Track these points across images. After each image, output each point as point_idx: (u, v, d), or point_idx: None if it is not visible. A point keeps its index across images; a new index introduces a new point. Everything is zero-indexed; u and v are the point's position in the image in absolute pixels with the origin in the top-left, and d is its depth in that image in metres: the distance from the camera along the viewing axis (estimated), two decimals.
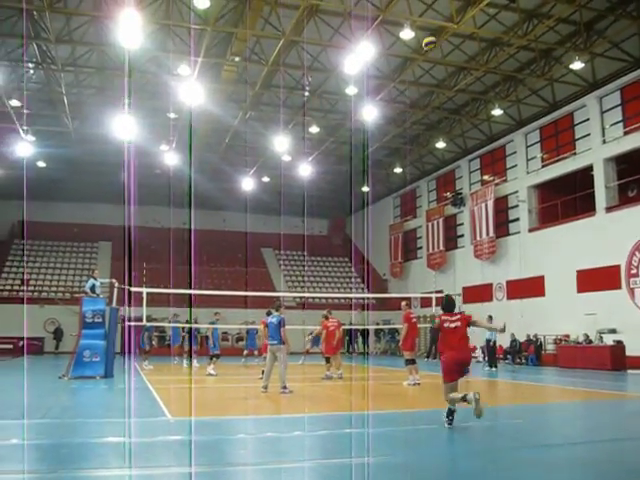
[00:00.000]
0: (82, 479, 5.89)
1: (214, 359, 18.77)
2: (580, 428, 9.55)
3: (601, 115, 25.25)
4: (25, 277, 37.75)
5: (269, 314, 14.40)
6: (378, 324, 36.50)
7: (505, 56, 23.78)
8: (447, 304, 9.38)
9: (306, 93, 27.17)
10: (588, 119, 25.86)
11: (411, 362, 15.44)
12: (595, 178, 25.24)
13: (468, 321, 9.05)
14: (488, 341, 22.68)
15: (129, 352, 22.05)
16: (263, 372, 13.85)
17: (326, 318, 17.84)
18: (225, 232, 45.03)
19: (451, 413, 8.84)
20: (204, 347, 23.16)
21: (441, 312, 9.48)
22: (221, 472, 6.23)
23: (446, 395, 8.86)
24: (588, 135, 25.88)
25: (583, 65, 23.27)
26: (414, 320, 16.04)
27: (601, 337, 23.52)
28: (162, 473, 6.19)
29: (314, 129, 29.74)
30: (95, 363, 16.76)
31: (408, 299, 20.49)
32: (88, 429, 8.86)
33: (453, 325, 8.99)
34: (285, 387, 12.95)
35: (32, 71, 25.85)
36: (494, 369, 22.11)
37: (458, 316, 9.12)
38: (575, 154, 26.57)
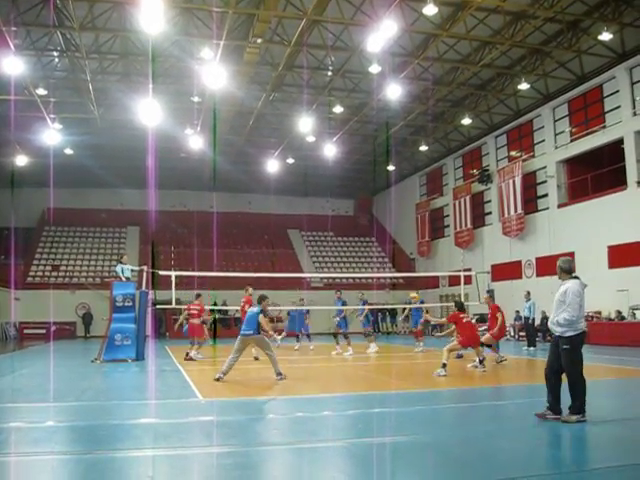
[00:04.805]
0: (117, 460, 5.99)
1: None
2: (616, 405, 9.45)
3: (631, 86, 24.60)
4: (55, 263, 38.46)
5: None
6: (406, 303, 36.44)
7: (531, 29, 23.23)
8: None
9: (329, 73, 27.01)
10: (618, 91, 25.26)
11: None
12: (626, 151, 24.74)
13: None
14: (527, 319, 21.93)
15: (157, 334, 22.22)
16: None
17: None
18: (251, 214, 45.14)
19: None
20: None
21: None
22: (253, 452, 6.29)
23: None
24: (618, 107, 25.30)
25: (612, 36, 22.65)
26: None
27: (634, 313, 23.16)
28: (194, 453, 6.28)
29: (338, 109, 29.57)
30: (126, 346, 16.95)
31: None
32: (122, 411, 9.02)
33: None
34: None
35: (57, 59, 26.07)
36: (532, 348, 21.24)
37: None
38: (605, 127, 26.03)
